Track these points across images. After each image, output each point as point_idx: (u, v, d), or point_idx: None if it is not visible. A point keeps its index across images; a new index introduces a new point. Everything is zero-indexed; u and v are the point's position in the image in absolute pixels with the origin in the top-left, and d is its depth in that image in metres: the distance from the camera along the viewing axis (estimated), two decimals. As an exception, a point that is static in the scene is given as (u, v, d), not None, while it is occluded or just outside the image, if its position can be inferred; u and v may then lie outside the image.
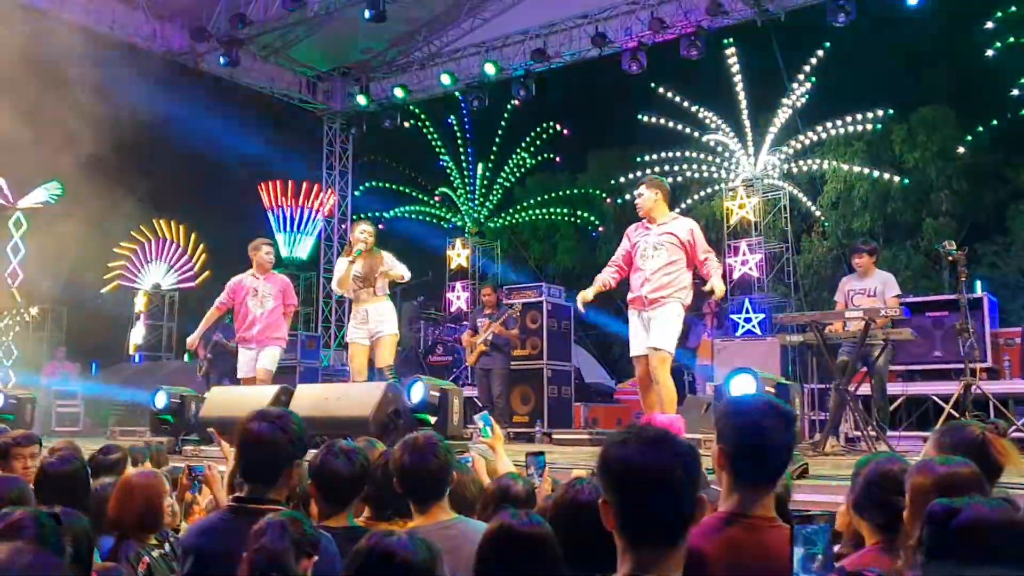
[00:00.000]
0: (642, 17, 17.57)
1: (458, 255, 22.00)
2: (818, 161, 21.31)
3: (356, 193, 24.35)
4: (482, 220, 26.35)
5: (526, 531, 2.80)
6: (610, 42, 18.00)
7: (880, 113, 20.11)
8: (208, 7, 18.13)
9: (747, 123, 19.98)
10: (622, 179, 24.02)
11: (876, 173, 20.98)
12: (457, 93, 21.63)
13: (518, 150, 26.58)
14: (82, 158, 15.43)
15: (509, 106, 23.84)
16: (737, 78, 19.19)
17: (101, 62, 14.82)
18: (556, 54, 18.95)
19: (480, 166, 26.37)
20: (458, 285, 21.55)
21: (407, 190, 27.07)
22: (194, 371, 16.27)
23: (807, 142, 20.66)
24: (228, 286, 10.57)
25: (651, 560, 2.31)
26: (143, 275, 23.83)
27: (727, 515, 2.86)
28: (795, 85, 19.38)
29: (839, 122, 20.19)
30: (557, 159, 27.38)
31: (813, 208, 21.94)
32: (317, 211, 23.95)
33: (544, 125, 26.39)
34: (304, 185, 23.97)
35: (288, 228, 24.14)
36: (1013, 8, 19.19)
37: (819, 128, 20.39)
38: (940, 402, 9.87)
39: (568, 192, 27.20)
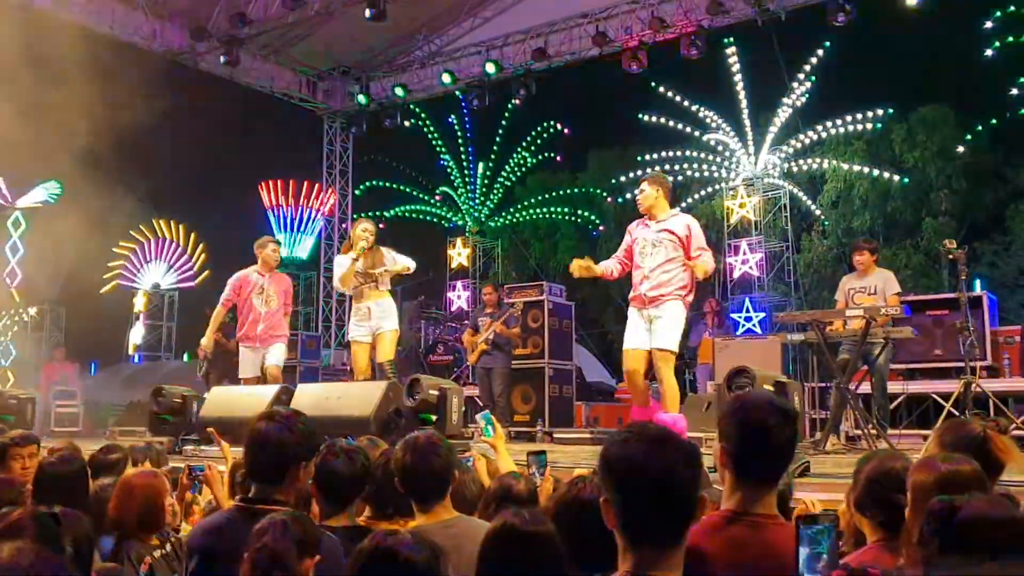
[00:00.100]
0: (642, 16, 17.59)
1: (459, 254, 22.03)
2: (818, 160, 21.33)
3: (356, 192, 24.37)
4: (483, 219, 26.36)
5: (528, 530, 2.80)
6: (610, 41, 18.02)
7: (880, 112, 20.12)
8: (208, 6, 18.13)
9: (747, 122, 20.00)
10: (623, 178, 24.04)
11: (876, 172, 20.99)
12: (458, 92, 21.63)
13: (519, 149, 26.59)
14: (81, 157, 15.43)
15: (510, 105, 23.83)
16: (737, 77, 19.20)
17: (100, 62, 14.80)
18: (556, 53, 18.96)
19: (481, 165, 26.39)
20: (459, 284, 21.58)
21: (408, 189, 27.08)
22: (194, 371, 16.26)
23: (807, 141, 20.68)
24: (232, 282, 10.44)
25: (652, 559, 2.31)
26: (142, 275, 23.83)
27: (729, 513, 2.86)
28: (795, 84, 19.39)
29: (839, 121, 20.21)
30: (558, 158, 27.41)
31: (813, 207, 21.96)
32: (317, 210, 23.95)
33: (545, 124, 26.40)
34: (305, 185, 23.96)
35: (288, 228, 24.13)
36: (1012, 7, 19.20)
37: (819, 127, 20.40)
38: (940, 400, 9.86)
39: (569, 191, 27.20)
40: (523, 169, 27.01)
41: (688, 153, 21.98)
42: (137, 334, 22.52)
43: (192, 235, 23.84)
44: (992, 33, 19.45)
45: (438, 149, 26.10)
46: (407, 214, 27.02)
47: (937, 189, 21.56)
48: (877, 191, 21.57)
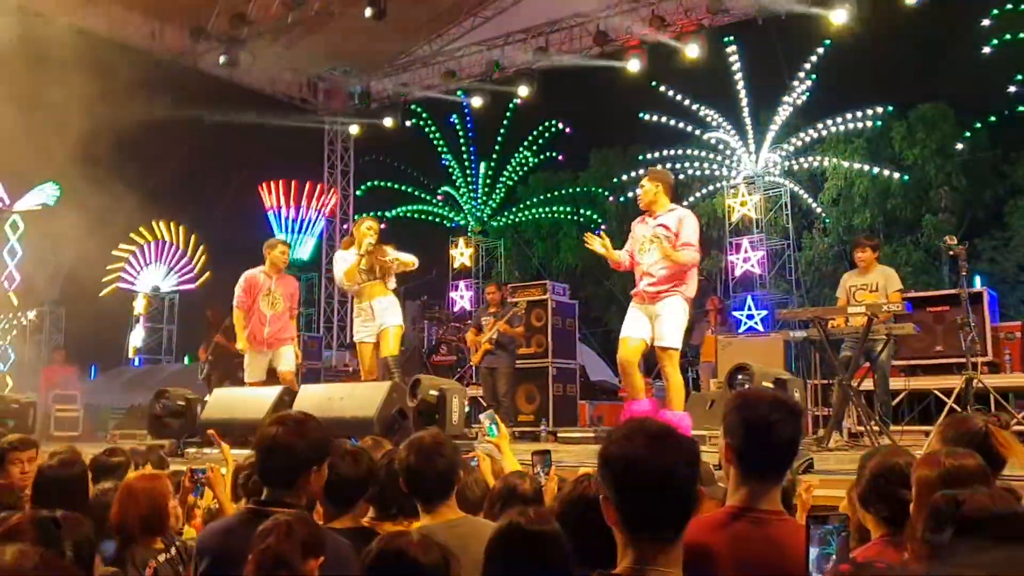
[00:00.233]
0: (643, 15, 17.58)
1: (461, 254, 22.03)
2: (819, 158, 21.32)
3: (358, 193, 24.38)
4: (485, 219, 26.35)
5: (534, 529, 2.80)
6: (611, 40, 18.02)
7: (880, 110, 20.13)
8: (207, 7, 18.11)
9: (748, 121, 20.01)
10: (624, 177, 24.05)
11: (876, 170, 20.99)
12: (459, 92, 21.62)
13: (520, 148, 26.58)
14: (80, 159, 15.42)
15: (511, 104, 23.83)
16: (738, 76, 19.21)
17: (99, 63, 14.80)
18: (558, 52, 18.96)
19: (483, 165, 26.37)
20: (461, 284, 21.59)
21: (409, 189, 27.06)
22: (194, 374, 16.26)
23: (807, 139, 20.68)
24: (242, 284, 10.27)
25: (652, 554, 2.32)
26: (142, 277, 23.81)
27: (734, 509, 2.86)
28: (795, 83, 19.40)
29: (839, 119, 20.22)
30: (559, 157, 27.37)
31: (814, 205, 21.95)
32: (319, 211, 23.94)
33: (546, 123, 26.38)
34: (307, 185, 23.95)
35: (290, 229, 24.13)
36: (1010, 5, 19.20)
37: (819, 125, 20.41)
38: (942, 396, 9.86)
39: (571, 190, 27.17)
40: (525, 168, 27.00)
41: (689, 152, 21.98)
42: (137, 337, 22.52)
43: (192, 237, 23.85)
44: (990, 31, 19.47)
45: (439, 149, 26.11)
46: (409, 214, 27.01)
47: (937, 186, 21.55)
48: (877, 188, 21.56)
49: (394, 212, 26.62)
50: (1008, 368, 11.06)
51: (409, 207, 27.01)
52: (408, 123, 23.57)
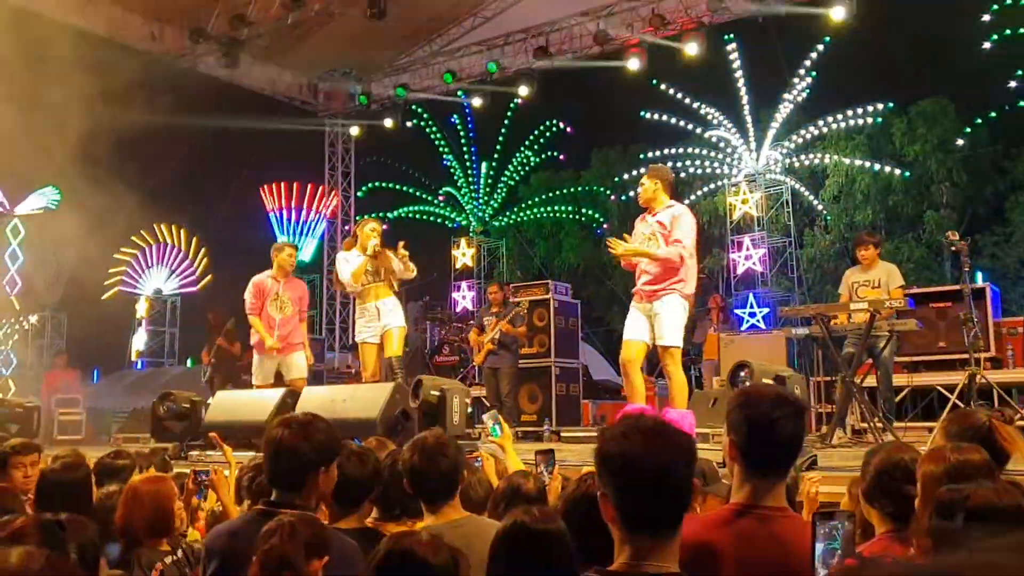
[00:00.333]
0: (643, 13, 17.59)
1: (463, 255, 22.05)
2: (820, 155, 21.32)
3: (359, 194, 24.37)
4: (487, 219, 26.35)
5: (539, 528, 2.80)
6: (612, 39, 18.02)
7: (880, 107, 20.11)
8: (207, 8, 18.11)
9: (749, 118, 20.00)
10: (625, 176, 24.04)
11: (877, 166, 20.98)
12: (459, 92, 21.62)
13: (522, 148, 26.57)
14: (80, 162, 15.42)
15: (512, 104, 23.83)
16: (738, 74, 19.20)
17: (99, 65, 14.80)
18: (558, 52, 18.96)
19: (484, 165, 26.36)
20: (463, 284, 21.60)
21: (410, 190, 27.05)
22: (197, 376, 16.27)
23: (808, 136, 20.67)
24: (251, 290, 10.26)
25: (648, 549, 2.33)
26: (144, 280, 23.81)
27: (738, 506, 2.86)
28: (796, 80, 19.39)
29: (840, 116, 20.20)
30: (561, 157, 27.36)
31: (815, 202, 21.94)
32: (320, 213, 23.93)
33: (547, 123, 26.37)
34: (309, 187, 23.94)
35: (291, 231, 24.10)
36: (1009, 1, 19.19)
37: (820, 122, 20.40)
38: (945, 392, 9.86)
39: (572, 190, 27.17)
40: (526, 168, 26.98)
41: (690, 150, 21.97)
42: (139, 340, 22.51)
43: (194, 239, 23.82)
44: (990, 26, 19.46)
45: (440, 149, 26.11)
46: (410, 215, 27.00)
47: (938, 182, 21.54)
48: (878, 185, 21.55)
49: (395, 213, 26.62)
50: (1011, 363, 11.07)
51: (410, 208, 27.00)
52: (409, 124, 23.57)
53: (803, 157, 20.97)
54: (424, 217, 27.07)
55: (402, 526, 4.01)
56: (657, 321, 7.87)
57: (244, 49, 18.61)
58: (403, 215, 26.88)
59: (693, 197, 22.09)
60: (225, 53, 18.11)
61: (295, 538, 2.91)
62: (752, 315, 17.44)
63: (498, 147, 26.38)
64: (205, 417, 9.46)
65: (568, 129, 26.71)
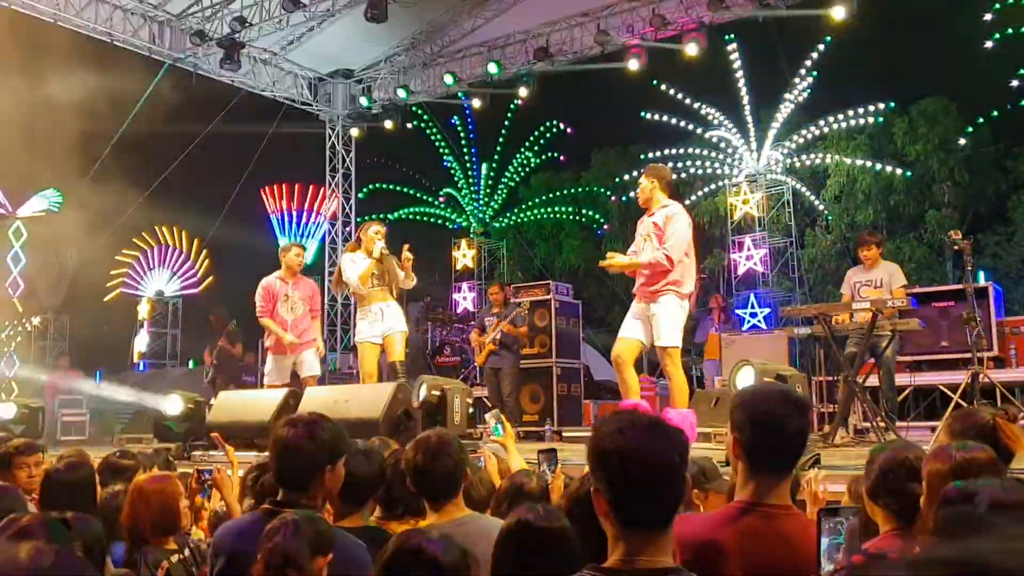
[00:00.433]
0: (643, 14, 17.59)
1: (464, 256, 22.05)
2: (821, 155, 21.31)
3: (360, 196, 24.35)
4: (487, 220, 26.34)
5: (544, 525, 2.80)
6: (612, 39, 18.02)
7: (881, 106, 20.09)
8: (207, 10, 18.12)
9: (749, 119, 19.98)
10: (626, 177, 24.02)
11: (878, 166, 20.96)
12: (460, 93, 21.63)
13: (522, 149, 26.55)
14: (82, 164, 15.45)
15: (512, 105, 23.83)
16: (739, 74, 19.19)
17: (100, 67, 14.82)
18: (558, 52, 18.96)
19: (484, 166, 26.35)
20: (464, 286, 21.59)
21: (411, 192, 27.05)
22: (199, 378, 16.29)
23: (809, 136, 20.66)
24: (261, 293, 10.25)
25: (643, 544, 2.33)
26: (146, 282, 23.82)
27: (743, 504, 2.86)
28: (797, 80, 19.38)
29: (841, 116, 20.19)
30: (561, 158, 27.35)
31: (816, 202, 21.93)
32: (320, 214, 23.92)
33: (547, 124, 26.36)
34: (311, 189, 23.94)
35: (291, 232, 24.09)
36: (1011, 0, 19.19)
37: (821, 122, 20.39)
38: (948, 392, 9.87)
39: (572, 191, 27.17)
40: (526, 169, 26.97)
41: (691, 150, 21.96)
42: (142, 342, 22.52)
43: (195, 241, 23.83)
44: (992, 25, 19.45)
45: (441, 151, 26.10)
46: (411, 216, 27.00)
47: (939, 181, 21.53)
48: (880, 185, 21.54)
49: (396, 214, 26.62)
50: (1014, 363, 11.07)
51: (411, 209, 27.01)
52: (409, 125, 23.58)
53: (804, 157, 20.95)
54: (425, 218, 27.07)
55: (405, 525, 4.02)
56: (655, 322, 7.88)
57: (245, 51, 18.61)
58: (404, 216, 26.88)
59: (694, 197, 22.09)
60: (226, 55, 18.11)
61: (299, 536, 2.92)
62: (753, 315, 17.44)
63: (498, 148, 26.38)
64: (208, 417, 9.47)
65: (568, 130, 26.71)
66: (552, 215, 27.10)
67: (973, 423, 3.59)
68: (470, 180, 26.42)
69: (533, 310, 13.51)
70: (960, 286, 9.82)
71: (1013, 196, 21.57)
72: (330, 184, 23.42)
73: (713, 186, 22.08)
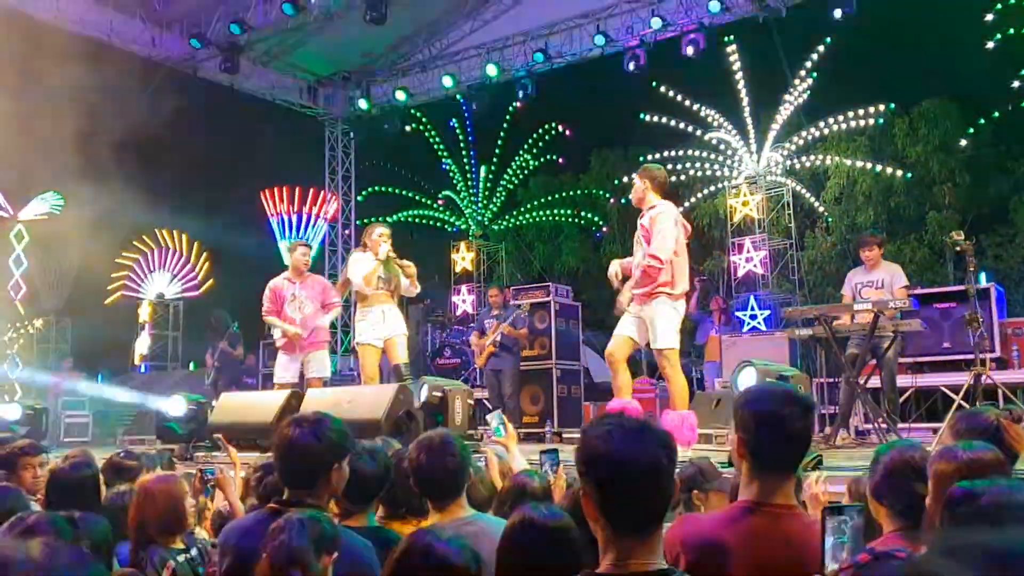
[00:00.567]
0: (643, 15, 17.61)
1: (463, 258, 22.04)
2: (821, 157, 21.28)
3: (359, 198, 24.36)
4: (486, 223, 26.31)
5: (548, 524, 2.80)
6: (611, 41, 18.05)
7: (882, 107, 20.06)
8: (207, 14, 18.14)
9: (749, 120, 19.95)
10: (625, 179, 23.94)
11: (879, 168, 20.94)
12: (459, 95, 21.64)
13: (521, 152, 26.50)
14: (82, 168, 15.44)
15: (511, 108, 23.81)
16: (739, 75, 19.17)
17: (100, 71, 14.82)
18: (557, 54, 19.00)
19: (483, 168, 26.31)
20: (463, 288, 21.56)
21: (410, 194, 27.00)
22: (200, 380, 16.31)
23: (809, 138, 20.63)
24: (267, 294, 10.28)
25: (633, 547, 2.33)
26: (147, 285, 23.81)
27: (747, 504, 2.86)
28: (797, 81, 19.36)
29: (841, 117, 20.15)
30: (560, 160, 27.27)
31: (816, 204, 21.90)
32: (320, 217, 23.91)
33: (546, 126, 26.32)
34: (311, 191, 23.92)
35: (291, 235, 24.07)
36: (1012, 0, 19.16)
37: (821, 124, 20.36)
38: (950, 393, 9.87)
39: (571, 193, 27.13)
40: (525, 172, 26.91)
41: (690, 152, 21.91)
42: (143, 344, 22.52)
43: (195, 244, 23.82)
44: (994, 25, 19.42)
45: (440, 153, 26.05)
46: (410, 219, 26.96)
47: (940, 183, 21.50)
48: (880, 186, 21.50)
49: (395, 217, 26.56)
50: (1016, 364, 11.07)
51: (410, 212, 26.97)
52: (408, 128, 23.58)
53: (804, 159, 20.92)
54: (424, 221, 27.03)
55: (408, 525, 4.02)
56: (649, 326, 7.88)
57: (244, 54, 18.63)
58: (403, 219, 26.84)
59: (693, 199, 22.07)
60: (225, 58, 18.13)
61: (304, 535, 2.92)
62: (753, 317, 17.41)
63: (497, 150, 26.34)
64: (210, 419, 9.47)
65: (567, 132, 26.66)
66: (551, 217, 27.06)
67: (978, 424, 3.60)
68: (469, 183, 26.40)
69: (533, 312, 13.52)
70: (962, 287, 9.81)
71: (1014, 198, 21.53)
72: (329, 186, 23.44)
73: (713, 188, 22.05)
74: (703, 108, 20.54)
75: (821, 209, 21.83)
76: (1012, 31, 19.25)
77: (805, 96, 19.43)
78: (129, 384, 18.14)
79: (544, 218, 27.11)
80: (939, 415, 9.95)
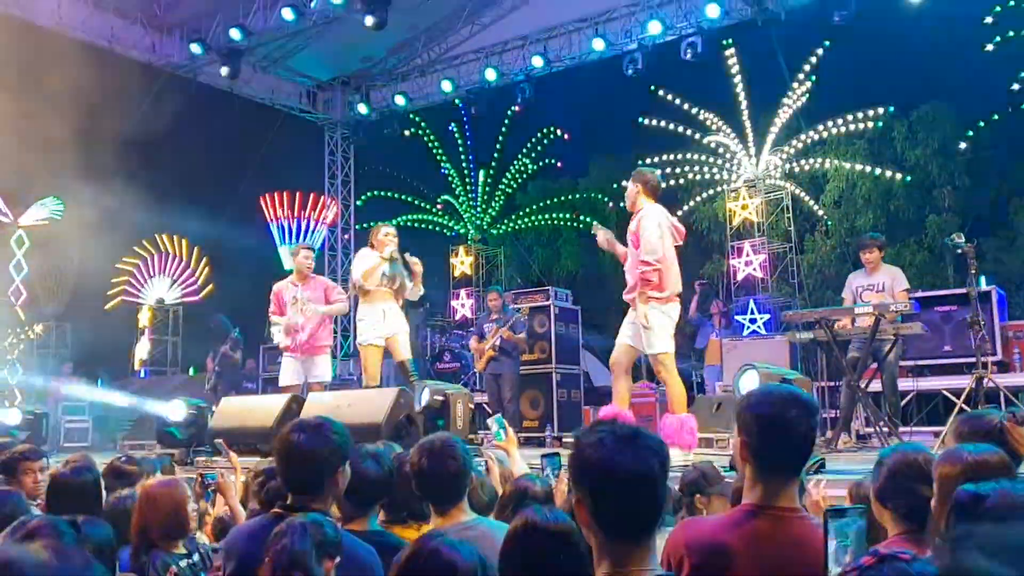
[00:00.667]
0: (641, 19, 17.60)
1: (462, 263, 22.05)
2: (820, 160, 21.28)
3: (358, 203, 24.36)
4: (485, 227, 26.31)
5: (551, 527, 2.78)
6: (610, 45, 18.05)
7: (881, 111, 20.06)
8: (207, 19, 18.15)
9: (748, 124, 19.95)
10: (623, 183, 23.86)
11: (878, 171, 20.93)
12: (457, 100, 21.65)
13: (519, 156, 26.51)
14: (82, 173, 15.44)
15: (510, 112, 23.82)
16: (737, 79, 19.17)
17: (101, 77, 14.83)
18: (556, 58, 19.00)
19: (482, 173, 26.31)
20: (462, 292, 21.56)
21: (409, 198, 26.99)
22: (200, 385, 16.30)
23: (808, 141, 20.62)
24: (272, 298, 10.37)
25: (628, 554, 2.34)
26: (146, 290, 23.80)
27: (752, 507, 2.85)
28: (795, 84, 19.36)
29: (840, 121, 20.15)
30: (559, 164, 27.26)
31: (816, 207, 21.90)
32: (319, 221, 23.91)
33: (545, 130, 26.32)
34: (312, 196, 23.92)
35: (290, 239, 24.06)
36: (1012, 2, 19.16)
37: (820, 127, 20.35)
38: (951, 397, 9.85)
39: (570, 197, 27.12)
40: (524, 176, 26.91)
41: (689, 156, 21.92)
42: (142, 349, 22.52)
43: (195, 249, 23.81)
44: (992, 28, 19.43)
45: (439, 157, 26.05)
46: (409, 223, 26.94)
47: (939, 186, 21.49)
48: (879, 190, 21.49)
49: (395, 221, 26.51)
50: (1018, 367, 11.07)
51: (409, 216, 26.95)
52: (407, 132, 23.60)
53: (803, 162, 20.92)
54: (423, 225, 27.02)
55: (409, 529, 4.01)
56: (641, 330, 7.88)
57: (244, 59, 18.63)
58: (402, 223, 26.81)
59: (693, 203, 22.08)
60: (225, 63, 18.13)
61: (306, 539, 2.91)
62: (753, 321, 17.40)
63: (496, 155, 26.35)
64: (211, 423, 9.47)
65: (566, 136, 26.66)
66: (550, 221, 27.04)
67: (981, 426, 3.59)
68: (467, 187, 26.39)
69: (532, 316, 13.53)
70: (963, 290, 9.81)
71: (1014, 200, 21.52)
72: (329, 191, 23.44)
73: (712, 192, 22.04)
74: (702, 112, 20.55)
75: (820, 212, 21.82)
76: (1011, 34, 19.25)
77: (804, 99, 19.44)
78: (129, 389, 18.12)
79: (543, 222, 27.09)
80: (940, 419, 9.94)
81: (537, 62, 18.78)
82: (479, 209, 26.25)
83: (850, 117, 19.81)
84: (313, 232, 23.97)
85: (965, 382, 8.85)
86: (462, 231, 25.98)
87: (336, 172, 23.53)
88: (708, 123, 20.52)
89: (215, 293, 23.05)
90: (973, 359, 8.71)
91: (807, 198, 21.26)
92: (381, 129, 21.96)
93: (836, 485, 5.32)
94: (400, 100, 20.93)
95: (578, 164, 27.64)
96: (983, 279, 12.77)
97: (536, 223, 27.08)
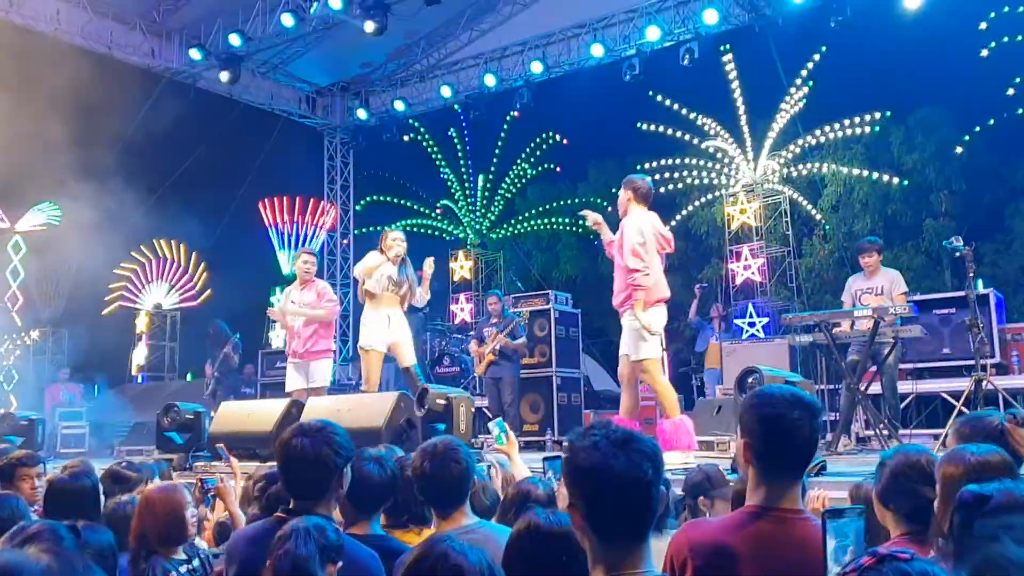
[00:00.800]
0: (639, 25, 17.63)
1: (461, 267, 22.06)
2: (817, 164, 21.30)
3: (358, 208, 24.36)
4: (484, 232, 26.31)
5: (555, 529, 2.79)
6: (608, 51, 18.07)
7: (878, 115, 20.09)
8: (206, 24, 18.16)
9: (745, 128, 19.97)
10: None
11: (875, 175, 20.95)
12: (457, 105, 21.66)
13: (518, 161, 26.53)
14: (81, 178, 15.44)
15: (509, 117, 23.84)
16: (735, 84, 19.19)
17: (100, 82, 14.83)
18: (555, 64, 19.02)
19: (481, 178, 26.33)
20: (462, 297, 21.56)
21: (408, 203, 27.02)
22: (198, 390, 16.27)
23: (806, 146, 20.64)
24: (283, 298, 10.59)
25: (623, 558, 2.34)
26: (144, 295, 23.77)
27: (754, 509, 2.85)
28: (793, 89, 19.38)
29: (837, 125, 20.18)
30: (557, 169, 27.27)
31: (813, 211, 21.90)
32: (318, 226, 23.90)
33: (544, 135, 26.35)
34: (312, 201, 23.92)
35: (290, 244, 24.05)
36: (1006, 8, 19.19)
37: (817, 132, 20.38)
38: (950, 399, 9.85)
39: (569, 201, 27.12)
40: (523, 180, 26.94)
41: (687, 161, 21.94)
42: (140, 354, 22.50)
43: (193, 254, 23.79)
44: (987, 33, 19.46)
45: (438, 162, 26.08)
46: (409, 228, 26.92)
47: (937, 190, 21.50)
48: (877, 194, 21.49)
49: (394, 226, 26.51)
50: (1016, 369, 11.07)
51: (408, 221, 26.94)
52: (406, 137, 23.62)
53: (801, 166, 20.94)
54: (422, 230, 27.02)
55: (410, 533, 4.01)
56: (625, 336, 7.90)
57: (243, 64, 18.64)
58: (401, 228, 26.77)
59: (691, 208, 22.09)
60: (225, 68, 18.14)
61: (309, 543, 2.90)
62: (752, 325, 17.41)
63: (495, 160, 26.37)
64: (210, 428, 9.46)
65: (564, 141, 26.68)
66: (549, 226, 27.05)
67: (982, 427, 3.59)
68: (467, 192, 26.41)
69: (532, 320, 13.51)
70: (962, 293, 9.81)
71: (1011, 204, 21.54)
72: (328, 196, 23.45)
73: (710, 196, 22.05)
74: (700, 117, 20.58)
75: (818, 216, 21.82)
76: (1006, 39, 19.28)
77: (801, 104, 19.47)
78: (126, 394, 18.12)
79: (542, 227, 27.09)
80: (940, 421, 9.95)
81: (536, 68, 18.79)
82: (478, 214, 26.26)
83: (847, 122, 19.85)
84: (313, 237, 23.95)
85: (964, 384, 8.86)
86: (461, 236, 26.00)
87: (335, 177, 23.54)
88: (706, 128, 20.55)
89: (213, 298, 23.02)
90: (972, 362, 8.72)
91: (805, 202, 21.28)
92: (380, 134, 21.97)
93: (837, 487, 5.32)
94: (399, 105, 20.95)
95: (577, 169, 27.63)
96: (980, 282, 12.78)
97: (535, 227, 27.08)
